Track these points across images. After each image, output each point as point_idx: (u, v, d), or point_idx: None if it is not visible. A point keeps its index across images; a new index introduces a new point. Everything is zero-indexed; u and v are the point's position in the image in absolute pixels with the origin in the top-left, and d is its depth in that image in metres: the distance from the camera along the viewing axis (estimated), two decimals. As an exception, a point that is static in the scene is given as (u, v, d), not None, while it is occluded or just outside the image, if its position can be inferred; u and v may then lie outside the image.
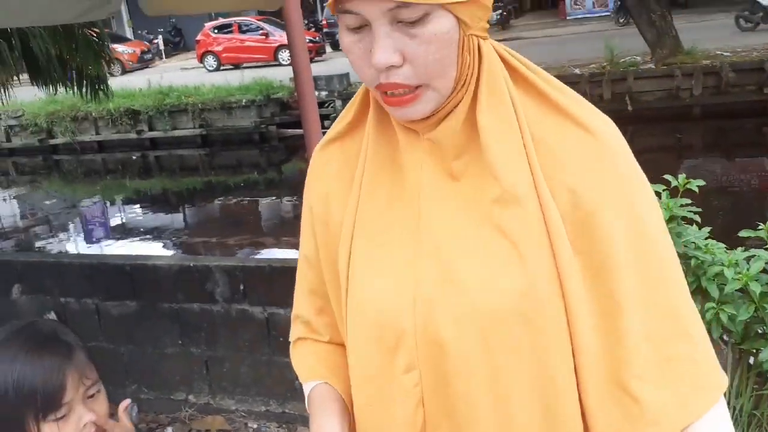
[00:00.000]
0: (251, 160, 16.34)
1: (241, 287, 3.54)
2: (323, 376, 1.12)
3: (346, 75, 15.79)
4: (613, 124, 0.93)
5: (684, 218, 2.45)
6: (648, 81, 13.97)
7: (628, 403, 0.88)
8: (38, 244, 11.30)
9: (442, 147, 0.93)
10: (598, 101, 13.52)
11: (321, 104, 13.62)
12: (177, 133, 17.37)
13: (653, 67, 14.04)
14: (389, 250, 0.96)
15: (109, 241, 11.19)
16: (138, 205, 13.91)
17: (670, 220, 2.41)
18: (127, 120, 17.38)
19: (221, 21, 24.43)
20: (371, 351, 0.98)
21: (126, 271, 3.79)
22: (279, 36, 22.36)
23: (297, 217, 1.14)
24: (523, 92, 0.92)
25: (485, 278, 0.88)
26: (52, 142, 18.07)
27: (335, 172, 1.05)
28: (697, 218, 2.44)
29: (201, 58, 24.48)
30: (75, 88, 5.97)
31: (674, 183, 2.54)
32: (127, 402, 1.40)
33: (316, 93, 4.14)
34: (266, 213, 12.43)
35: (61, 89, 6.03)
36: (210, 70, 23.74)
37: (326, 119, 11.79)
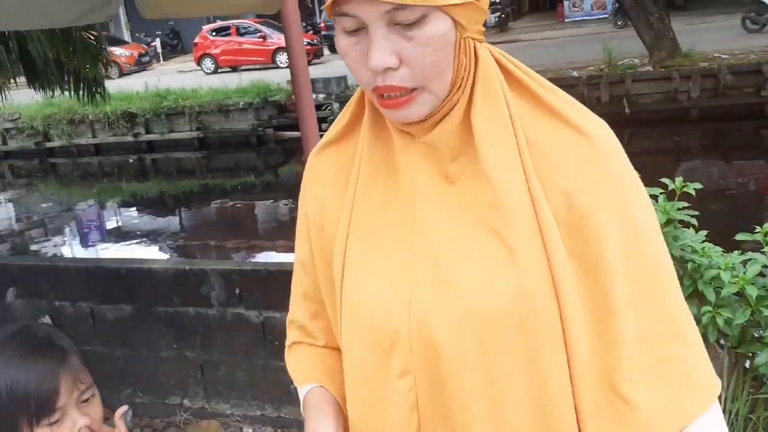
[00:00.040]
0: (248, 163, 16.35)
1: (237, 291, 3.53)
2: (318, 379, 1.12)
3: (344, 78, 15.81)
4: (607, 126, 0.93)
5: (681, 221, 2.45)
6: (646, 83, 13.99)
7: (620, 406, 0.88)
8: (34, 247, 11.28)
9: (438, 150, 0.93)
10: (595, 104, 13.58)
11: (318, 107, 13.64)
12: (174, 135, 17.38)
13: (651, 69, 14.07)
14: (384, 253, 0.96)
15: (105, 245, 11.18)
16: (134, 209, 13.90)
17: (667, 223, 2.41)
18: (124, 123, 17.39)
19: (219, 24, 24.46)
20: (366, 354, 0.97)
21: (121, 275, 3.78)
22: (277, 39, 22.38)
23: (293, 221, 1.14)
24: (517, 95, 0.92)
25: (480, 281, 0.88)
26: (49, 145, 18.08)
27: (331, 177, 1.05)
28: (694, 221, 2.44)
29: (198, 61, 24.49)
30: (72, 91, 5.96)
31: (671, 186, 2.54)
32: (124, 408, 1.39)
33: (314, 96, 4.14)
34: (263, 216, 12.43)
35: (58, 92, 6.02)
36: (207, 73, 23.75)
37: (324, 122, 11.80)
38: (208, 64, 24.24)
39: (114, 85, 13.60)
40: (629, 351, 0.87)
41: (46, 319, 3.82)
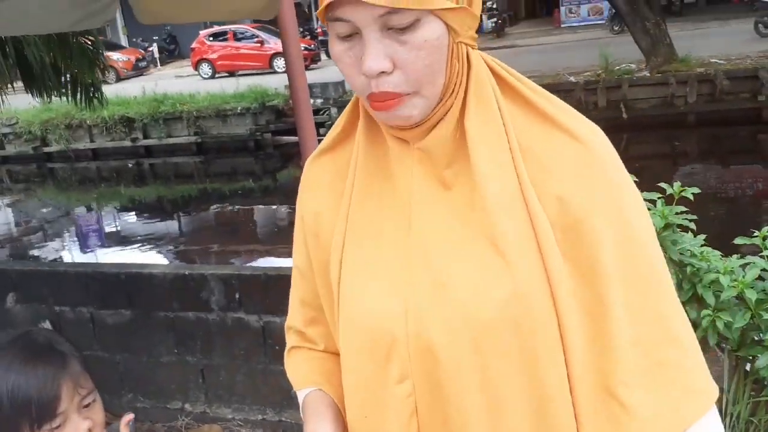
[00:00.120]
0: (246, 167, 16.35)
1: (237, 295, 3.53)
2: (317, 382, 1.12)
3: (342, 83, 15.82)
4: (601, 131, 0.93)
5: (679, 226, 2.46)
6: (643, 88, 14.04)
7: (616, 410, 0.88)
8: (33, 252, 11.26)
9: (433, 156, 0.93)
10: (592, 109, 13.61)
11: (316, 112, 13.64)
12: (172, 140, 17.39)
13: (648, 74, 14.12)
14: (380, 259, 0.96)
15: (104, 250, 11.17)
16: (133, 214, 13.90)
17: (665, 227, 2.42)
18: (122, 128, 17.40)
19: (216, 29, 24.47)
20: (364, 360, 0.98)
21: (121, 280, 3.78)
22: (274, 44, 22.40)
23: (292, 225, 1.15)
24: (510, 101, 0.92)
25: (475, 287, 0.88)
26: (47, 149, 18.08)
27: (327, 184, 1.06)
28: (693, 226, 2.45)
29: (196, 66, 24.50)
30: (69, 95, 5.96)
31: (669, 191, 2.54)
32: (130, 416, 1.39)
33: (312, 101, 4.14)
34: (262, 221, 12.43)
35: (55, 97, 6.02)
36: (205, 78, 23.76)
37: (321, 127, 11.82)
38: (205, 69, 24.25)
39: (111, 90, 13.58)
40: (625, 355, 0.87)
41: (47, 325, 3.81)
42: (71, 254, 11.08)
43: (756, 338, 2.37)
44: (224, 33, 24.18)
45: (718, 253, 2.48)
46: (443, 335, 0.90)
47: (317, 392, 1.11)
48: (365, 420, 1.01)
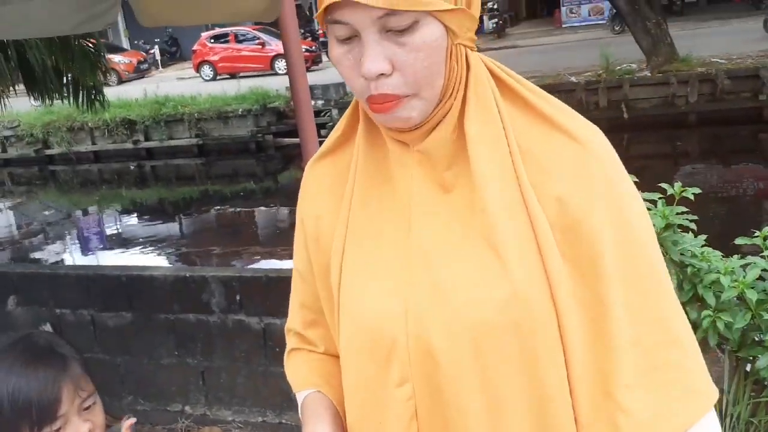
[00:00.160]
0: (248, 169, 16.36)
1: (238, 297, 3.53)
2: (316, 384, 1.12)
3: (343, 84, 15.79)
4: (600, 132, 0.93)
5: (680, 226, 2.46)
6: (644, 88, 14.03)
7: (614, 411, 0.88)
8: (34, 255, 11.27)
9: (433, 158, 0.93)
10: (593, 109, 13.60)
11: (317, 113, 13.67)
12: (173, 142, 17.41)
13: (649, 74, 14.11)
14: (380, 262, 0.96)
15: (105, 252, 11.17)
16: (134, 216, 13.91)
17: (666, 228, 2.42)
18: (124, 130, 17.42)
19: (217, 31, 24.48)
20: (364, 363, 0.98)
21: (122, 282, 3.78)
22: (275, 45, 22.40)
23: (293, 226, 1.15)
24: (509, 103, 0.92)
25: (475, 289, 0.88)
26: (48, 152, 18.11)
27: (327, 187, 1.06)
28: (693, 226, 2.45)
29: (197, 68, 24.52)
30: (71, 98, 5.97)
31: (670, 191, 2.54)
32: (132, 420, 1.40)
33: (313, 102, 4.14)
34: (263, 222, 12.43)
35: (57, 100, 6.03)
36: (206, 80, 23.77)
37: (323, 128, 11.83)
38: (206, 71, 24.27)
39: (113, 93, 13.60)
40: (624, 356, 0.87)
41: (47, 327, 3.81)
42: (72, 257, 11.09)
43: (756, 339, 2.37)
44: (225, 35, 24.19)
45: (718, 253, 2.48)
46: (443, 338, 0.90)
47: (316, 394, 1.11)
48: (365, 423, 1.01)
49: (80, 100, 6.00)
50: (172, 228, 12.60)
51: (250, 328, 3.54)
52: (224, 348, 3.63)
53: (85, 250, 11.55)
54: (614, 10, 18.25)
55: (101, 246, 11.74)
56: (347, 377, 1.03)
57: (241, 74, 23.41)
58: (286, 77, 3.27)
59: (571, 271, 0.88)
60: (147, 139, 17.55)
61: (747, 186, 10.55)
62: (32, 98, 6.02)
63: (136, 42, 30.85)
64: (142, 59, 27.80)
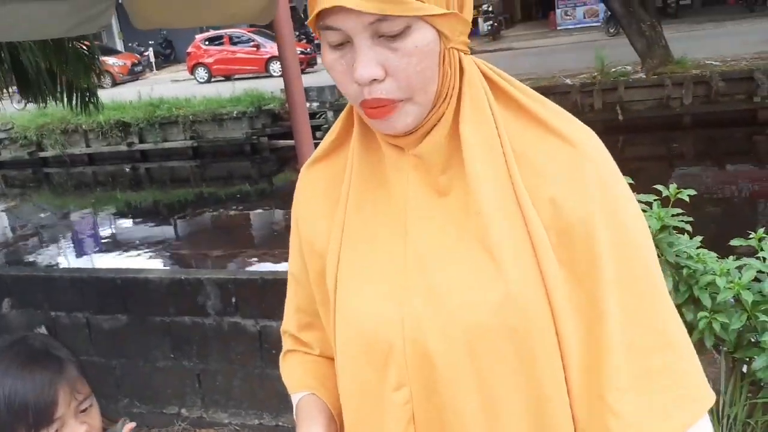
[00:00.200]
0: (243, 171, 16.35)
1: (233, 300, 3.53)
2: (311, 387, 1.13)
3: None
4: (594, 134, 0.93)
5: (675, 228, 2.46)
6: (638, 90, 14.06)
7: (606, 415, 0.87)
8: (28, 258, 11.24)
9: (427, 162, 0.93)
10: (588, 111, 13.63)
11: (312, 115, 13.65)
12: (168, 145, 17.38)
13: (644, 76, 14.14)
14: (376, 266, 0.96)
15: (100, 255, 11.15)
16: (129, 218, 13.88)
17: (661, 229, 2.42)
18: (118, 132, 17.39)
19: (212, 33, 24.46)
20: (361, 367, 0.98)
21: (117, 285, 3.77)
22: (270, 47, 22.39)
23: (288, 228, 1.15)
24: (503, 106, 0.92)
25: (470, 292, 0.88)
26: (42, 155, 18.07)
27: (322, 191, 1.06)
28: (689, 228, 2.45)
29: (192, 70, 24.49)
30: (65, 100, 5.96)
31: (665, 193, 2.55)
32: (132, 425, 1.39)
33: (308, 104, 4.15)
34: (258, 224, 12.43)
35: (51, 102, 6.02)
36: (201, 82, 23.75)
37: (317, 130, 11.81)
38: (201, 73, 24.24)
39: (107, 95, 13.58)
40: (617, 359, 0.86)
41: (42, 330, 3.81)
42: (67, 259, 11.07)
43: (753, 340, 2.38)
44: (220, 37, 24.17)
45: (714, 254, 2.49)
46: (439, 341, 0.89)
47: (311, 397, 1.11)
48: (362, 427, 1.01)
49: (74, 102, 5.99)
50: (167, 230, 12.58)
51: (245, 331, 3.53)
52: (220, 350, 3.62)
53: (80, 252, 11.52)
54: (609, 13, 18.30)
55: (96, 248, 11.72)
56: (344, 381, 1.03)
57: (236, 76, 23.38)
58: (281, 79, 3.27)
59: (566, 273, 0.88)
60: (141, 141, 17.52)
61: (742, 187, 10.58)
62: (14, 101, 6.00)
63: (130, 44, 30.81)
64: (136, 61, 27.75)
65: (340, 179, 1.02)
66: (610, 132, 12.21)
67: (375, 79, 0.84)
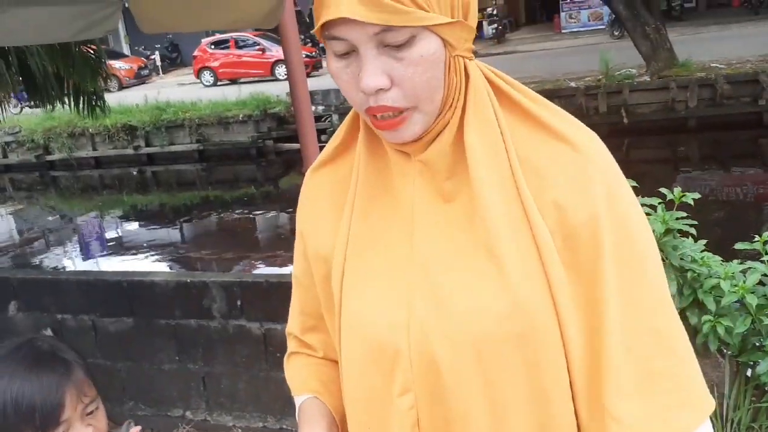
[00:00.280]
0: (248, 174, 16.36)
1: (239, 303, 3.54)
2: (314, 390, 1.13)
3: (343, 89, 15.79)
4: (598, 137, 0.93)
5: (680, 231, 2.46)
6: (643, 93, 14.02)
7: (606, 420, 0.87)
8: (35, 260, 11.27)
9: (433, 168, 0.93)
10: (593, 114, 13.60)
11: (318, 119, 13.67)
12: (174, 148, 17.41)
13: (648, 79, 14.10)
14: (382, 271, 0.96)
15: (106, 258, 11.17)
16: (135, 221, 13.91)
17: (666, 233, 2.43)
18: (124, 135, 17.43)
19: (218, 37, 24.50)
20: (366, 372, 0.98)
21: (123, 288, 3.78)
22: (276, 51, 22.41)
23: (294, 231, 1.15)
24: (507, 112, 0.93)
25: (476, 299, 0.89)
26: (49, 158, 18.11)
27: (326, 195, 1.06)
28: (693, 231, 2.45)
29: (198, 74, 24.53)
30: (72, 104, 5.98)
31: (670, 196, 2.55)
32: (137, 429, 1.40)
33: (313, 108, 4.16)
34: (263, 228, 12.43)
35: (58, 106, 6.04)
36: (207, 86, 23.78)
37: (323, 134, 11.84)
38: (207, 76, 24.29)
39: (113, 98, 13.62)
40: (618, 364, 0.86)
41: (48, 332, 3.82)
42: (73, 262, 11.09)
43: (757, 344, 2.37)
44: (226, 41, 24.22)
45: (718, 258, 2.48)
46: (445, 348, 0.90)
47: (313, 400, 1.12)
48: (366, 431, 1.01)
49: (81, 106, 6.02)
50: (172, 233, 12.60)
51: (250, 334, 3.54)
52: (225, 353, 3.63)
53: (86, 255, 11.55)
54: (613, 16, 18.26)
55: (102, 251, 11.74)
56: (349, 386, 1.04)
57: (242, 80, 23.43)
58: (287, 83, 3.28)
59: (570, 276, 0.88)
60: (148, 144, 17.56)
61: (747, 191, 10.54)
62: (11, 106, 6.02)
63: (136, 48, 30.88)
64: (142, 65, 27.82)
65: (346, 183, 1.02)
66: (615, 135, 12.18)
67: (381, 89, 0.84)
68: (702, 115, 13.55)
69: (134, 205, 15.24)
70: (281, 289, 3.38)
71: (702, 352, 2.38)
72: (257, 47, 23.82)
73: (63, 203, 16.04)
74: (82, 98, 5.98)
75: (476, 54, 0.93)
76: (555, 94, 13.43)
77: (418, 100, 0.86)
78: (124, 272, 4.97)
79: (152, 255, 10.89)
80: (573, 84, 14.47)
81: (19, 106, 15.33)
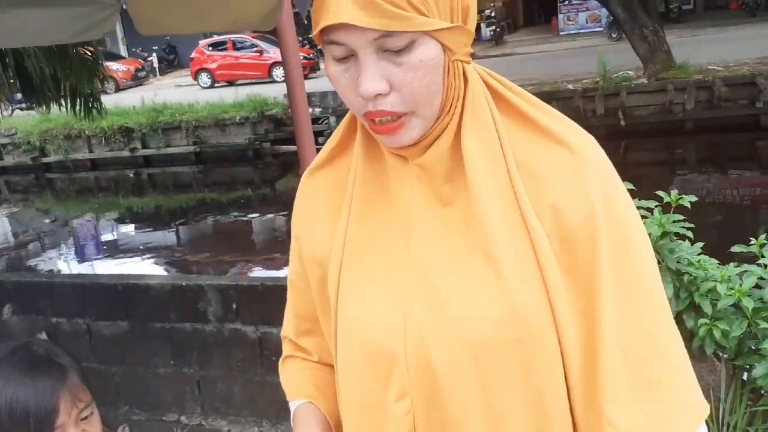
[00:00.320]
0: (245, 176, 16.36)
1: (234, 306, 3.53)
2: (309, 394, 1.13)
3: (340, 92, 15.79)
4: (595, 140, 0.93)
5: (676, 234, 2.46)
6: (641, 96, 14.06)
7: (603, 425, 0.87)
8: (30, 263, 11.25)
9: (431, 172, 0.93)
10: (591, 116, 13.62)
11: (315, 121, 13.67)
12: (171, 150, 17.39)
13: (646, 81, 14.14)
14: (380, 275, 0.96)
15: (102, 260, 11.15)
16: (131, 224, 13.89)
17: (662, 236, 2.42)
18: (121, 138, 17.41)
19: (215, 38, 24.50)
20: (363, 376, 0.97)
21: (118, 291, 3.77)
22: (273, 53, 22.42)
23: (290, 234, 1.14)
24: (505, 115, 0.93)
25: (473, 303, 0.88)
26: (45, 160, 18.09)
27: (323, 198, 1.06)
28: (690, 234, 2.45)
29: (195, 76, 24.53)
30: (68, 106, 5.97)
31: (666, 199, 2.55)
32: None
33: (310, 109, 4.16)
34: (260, 230, 12.43)
35: (54, 107, 6.04)
36: (204, 88, 23.77)
37: (320, 135, 11.83)
38: (204, 78, 24.27)
39: (110, 100, 13.60)
40: (614, 369, 0.86)
41: (43, 336, 3.81)
42: (68, 265, 11.07)
43: (753, 347, 2.37)
44: (223, 43, 24.21)
45: (715, 261, 2.48)
46: (442, 352, 0.89)
47: (308, 405, 1.12)
48: None
49: (78, 107, 6.01)
50: (168, 236, 12.58)
51: (246, 337, 3.53)
52: (220, 357, 3.62)
53: (81, 258, 11.53)
54: (611, 18, 18.30)
55: (97, 254, 11.72)
56: (345, 390, 1.03)
57: (239, 82, 23.44)
58: (284, 85, 3.28)
59: (567, 280, 0.88)
60: (144, 146, 17.54)
61: (743, 193, 10.56)
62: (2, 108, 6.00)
63: (133, 50, 30.85)
64: (139, 67, 27.81)
65: (342, 186, 1.02)
66: (612, 137, 12.20)
67: (380, 93, 0.84)
68: (699, 117, 13.59)
69: (130, 207, 15.23)
70: (277, 293, 3.37)
71: (698, 356, 2.38)
72: (255, 49, 23.83)
73: (59, 205, 16.01)
74: (78, 100, 5.97)
75: (474, 56, 0.93)
76: (553, 96, 13.45)
77: (416, 104, 0.86)
78: (119, 275, 4.97)
79: (148, 258, 10.87)
80: (571, 86, 14.49)
81: (10, 108, 15.31)
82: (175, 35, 28.33)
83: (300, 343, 1.18)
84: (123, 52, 31.03)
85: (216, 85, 23.82)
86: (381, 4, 0.78)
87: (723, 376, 2.47)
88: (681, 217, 2.46)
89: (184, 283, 3.65)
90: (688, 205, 2.50)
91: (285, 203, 12.46)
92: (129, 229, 13.51)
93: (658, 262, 2.38)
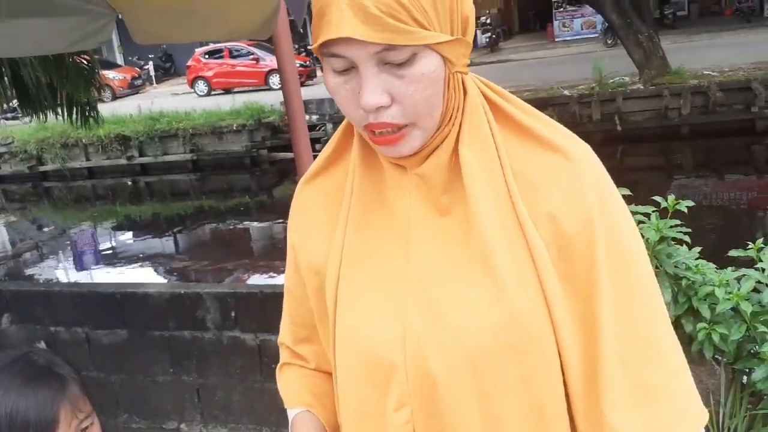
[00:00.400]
0: (242, 184, 16.36)
1: (233, 314, 3.52)
2: (307, 403, 1.13)
3: (337, 99, 15.81)
4: (590, 148, 0.94)
5: (674, 239, 2.47)
6: (637, 101, 14.10)
7: (604, 430, 0.87)
8: (28, 272, 11.22)
9: (430, 182, 0.93)
10: (587, 122, 13.65)
11: (312, 128, 13.66)
12: (168, 158, 17.40)
13: (641, 87, 14.18)
14: (377, 285, 0.96)
15: (100, 269, 11.13)
16: (128, 232, 13.87)
17: (660, 241, 2.43)
18: (118, 146, 17.42)
19: (212, 46, 24.52)
20: (362, 386, 0.97)
21: (116, 300, 3.77)
22: (270, 61, 22.43)
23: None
24: (502, 125, 0.93)
25: (472, 312, 0.89)
26: (42, 168, 18.09)
27: (318, 206, 1.05)
28: (687, 239, 2.45)
29: (192, 84, 24.54)
30: (65, 115, 5.97)
31: (664, 204, 2.56)
32: None
33: (307, 117, 4.17)
34: (258, 238, 12.42)
35: (51, 116, 6.03)
36: (201, 95, 23.79)
37: (317, 143, 11.83)
38: (201, 86, 24.29)
39: (107, 109, 13.59)
40: (613, 374, 0.87)
41: (42, 345, 3.80)
42: (66, 274, 11.05)
43: (752, 351, 2.37)
44: (220, 51, 24.23)
45: (712, 265, 2.49)
46: (441, 361, 0.90)
47: (306, 413, 1.11)
48: None
49: (74, 116, 6.00)
50: (166, 244, 12.57)
51: (245, 345, 3.52)
52: (219, 365, 3.61)
53: (80, 267, 11.51)
54: (606, 24, 18.35)
55: (95, 263, 11.70)
56: (344, 399, 1.03)
57: (236, 89, 23.45)
58: (281, 92, 3.29)
59: (565, 287, 0.89)
60: (141, 154, 17.55)
61: (740, 198, 10.59)
62: (26, 115, 6.01)
63: (130, 58, 30.86)
64: (136, 75, 27.81)
65: (338, 194, 1.02)
66: (609, 143, 12.23)
67: (381, 106, 0.84)
68: (695, 122, 13.63)
69: (128, 215, 15.21)
70: (275, 300, 3.34)
71: (697, 360, 2.38)
72: (251, 57, 23.86)
73: (56, 214, 15.99)
74: (75, 108, 5.96)
75: (469, 63, 0.93)
76: (549, 103, 13.48)
77: (417, 116, 0.86)
78: (118, 284, 4.96)
79: (146, 266, 10.85)
80: (567, 92, 14.52)
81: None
82: (171, 43, 28.36)
83: (297, 351, 1.18)
84: (119, 60, 31.05)
85: (213, 93, 23.83)
86: (383, 18, 0.78)
87: (722, 379, 2.47)
88: (678, 222, 2.47)
89: (182, 291, 3.65)
90: (685, 210, 2.50)
91: (282, 210, 12.36)
92: (127, 237, 13.50)
93: (656, 267, 2.39)
